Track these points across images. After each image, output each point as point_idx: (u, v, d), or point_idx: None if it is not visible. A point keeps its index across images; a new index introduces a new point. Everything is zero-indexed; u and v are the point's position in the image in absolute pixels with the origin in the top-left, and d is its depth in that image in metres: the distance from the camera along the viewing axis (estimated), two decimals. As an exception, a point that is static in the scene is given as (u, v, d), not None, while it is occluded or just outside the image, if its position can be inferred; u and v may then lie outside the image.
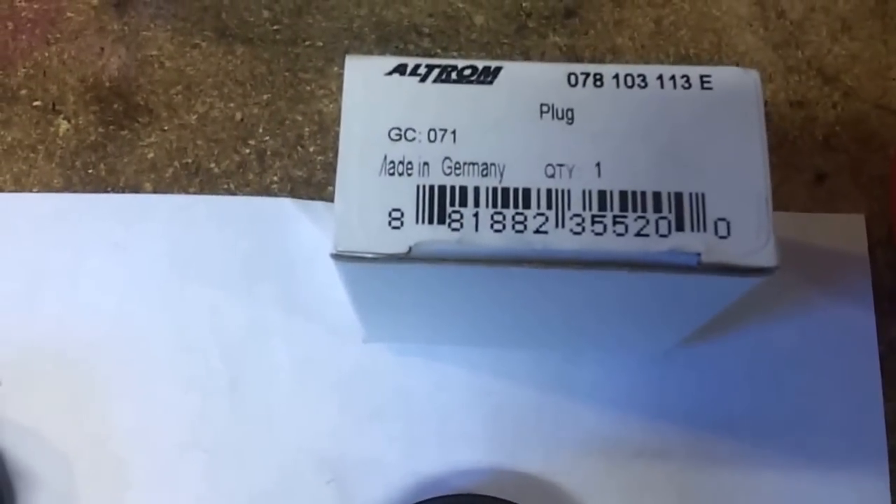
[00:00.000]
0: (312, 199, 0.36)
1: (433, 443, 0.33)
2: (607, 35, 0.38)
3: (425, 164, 0.21)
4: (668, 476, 0.33)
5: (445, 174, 0.21)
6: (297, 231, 0.35)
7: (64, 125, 0.38)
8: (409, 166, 0.21)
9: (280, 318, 0.35)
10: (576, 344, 0.33)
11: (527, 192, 0.21)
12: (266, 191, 0.36)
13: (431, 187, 0.21)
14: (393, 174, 0.21)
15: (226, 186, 0.36)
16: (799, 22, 0.38)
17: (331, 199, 0.36)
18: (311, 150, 0.37)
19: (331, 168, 0.36)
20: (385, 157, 0.21)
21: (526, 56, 0.38)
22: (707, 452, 0.33)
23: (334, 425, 0.33)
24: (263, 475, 0.33)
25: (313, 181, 0.36)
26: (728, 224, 0.21)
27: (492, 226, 0.21)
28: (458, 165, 0.21)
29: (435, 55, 0.38)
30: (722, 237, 0.21)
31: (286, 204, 0.36)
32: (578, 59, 0.37)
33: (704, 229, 0.21)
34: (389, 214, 0.21)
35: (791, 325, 0.34)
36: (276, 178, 0.36)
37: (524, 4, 0.39)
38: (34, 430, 0.33)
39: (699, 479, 0.32)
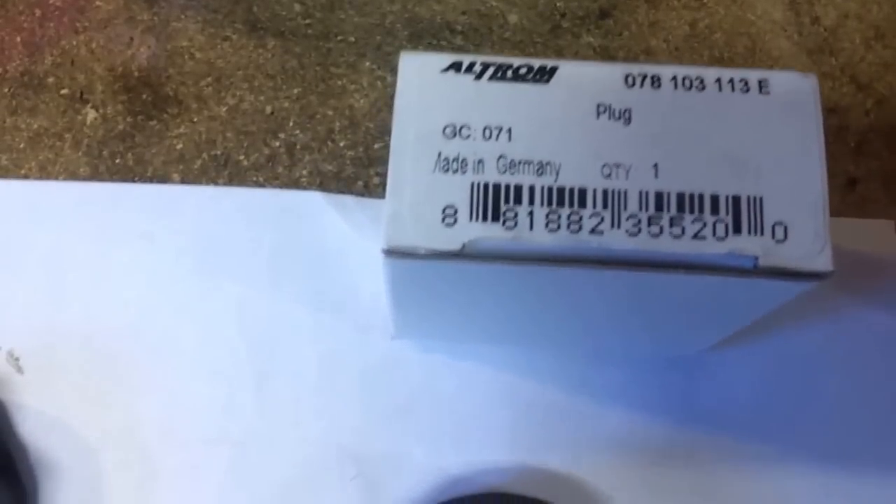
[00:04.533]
0: (342, 193, 0.36)
1: (458, 440, 0.33)
2: (641, 36, 0.38)
3: (480, 161, 0.21)
4: (696, 478, 0.32)
5: (500, 172, 0.21)
6: (326, 225, 0.35)
7: (91, 114, 0.37)
8: (464, 164, 0.21)
9: (307, 312, 0.34)
10: (608, 344, 0.33)
11: (582, 191, 0.21)
12: (295, 184, 0.36)
13: (486, 185, 0.21)
14: (447, 171, 0.21)
15: (255, 179, 0.36)
16: (833, 29, 0.38)
17: (360, 193, 0.36)
18: (342, 144, 0.37)
19: (360, 163, 0.36)
20: (439, 154, 0.21)
21: (559, 55, 0.38)
22: (735, 456, 0.33)
23: (360, 421, 0.33)
24: (288, 469, 0.33)
25: (343, 175, 0.36)
26: (785, 228, 0.21)
27: (546, 225, 0.21)
28: (512, 164, 0.21)
29: (467, 53, 0.38)
30: (779, 241, 0.21)
31: (316, 197, 0.36)
32: (612, 60, 0.37)
33: (762, 233, 0.21)
34: (443, 211, 0.21)
35: (819, 329, 0.34)
36: (305, 172, 0.36)
37: (558, 4, 0.39)
38: (58, 419, 0.33)
39: (727, 483, 0.32)
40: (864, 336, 0.34)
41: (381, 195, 0.32)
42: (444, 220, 0.21)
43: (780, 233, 0.21)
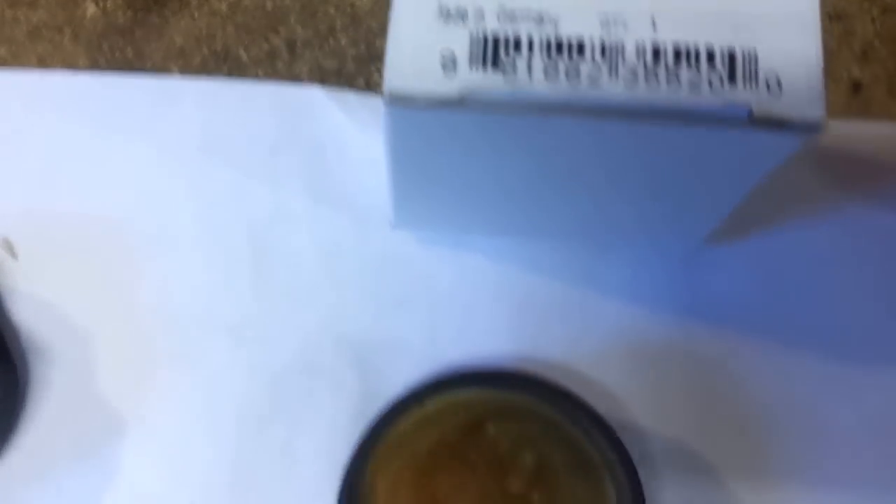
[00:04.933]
0: (342, 89, 0.36)
1: (457, 330, 0.33)
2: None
3: (479, 12, 0.21)
4: (694, 373, 0.33)
5: (499, 22, 0.21)
6: (326, 120, 0.35)
7: (91, 8, 0.37)
8: (464, 14, 0.21)
9: (306, 204, 0.35)
10: (605, 237, 0.33)
11: (580, 42, 0.21)
12: (295, 80, 0.36)
13: (485, 34, 0.21)
14: (447, 21, 0.21)
15: (255, 74, 0.36)
16: (839, -65, 0.38)
17: (361, 90, 0.36)
18: (343, 42, 0.37)
19: (362, 60, 0.36)
20: (439, 5, 0.21)
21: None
22: (734, 353, 0.33)
23: (358, 310, 0.33)
24: (286, 355, 0.33)
25: (344, 72, 0.36)
26: (779, 80, 0.21)
27: (545, 74, 0.21)
28: (512, 15, 0.21)
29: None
30: (773, 92, 0.21)
31: (316, 93, 0.36)
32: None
33: (756, 84, 0.21)
34: (442, 58, 0.21)
35: (822, 229, 0.34)
36: (305, 69, 0.36)
37: None
38: (53, 304, 0.33)
39: (725, 378, 0.33)
40: (866, 235, 0.34)
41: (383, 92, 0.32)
42: (443, 66, 0.21)
43: (774, 84, 0.21)
